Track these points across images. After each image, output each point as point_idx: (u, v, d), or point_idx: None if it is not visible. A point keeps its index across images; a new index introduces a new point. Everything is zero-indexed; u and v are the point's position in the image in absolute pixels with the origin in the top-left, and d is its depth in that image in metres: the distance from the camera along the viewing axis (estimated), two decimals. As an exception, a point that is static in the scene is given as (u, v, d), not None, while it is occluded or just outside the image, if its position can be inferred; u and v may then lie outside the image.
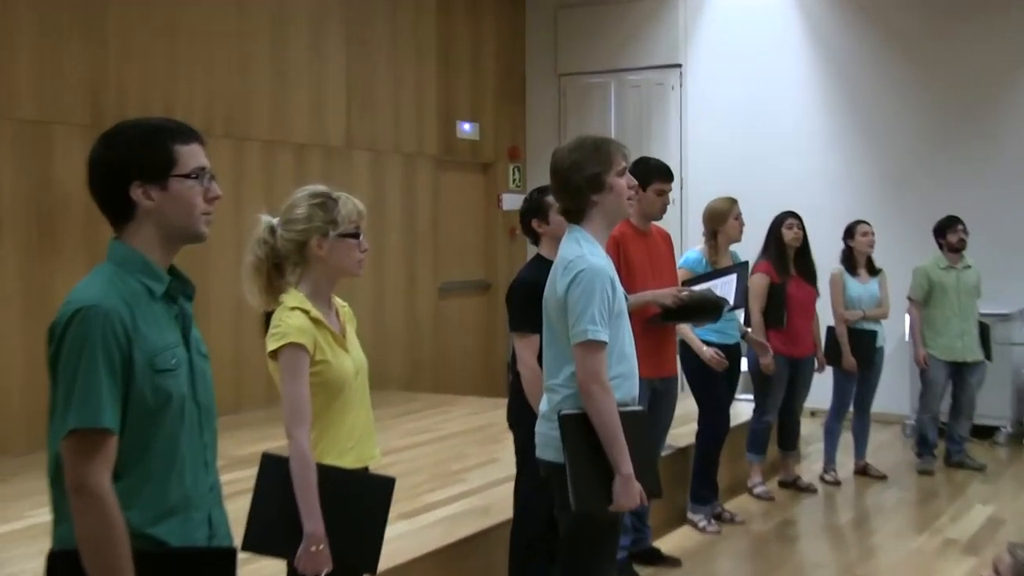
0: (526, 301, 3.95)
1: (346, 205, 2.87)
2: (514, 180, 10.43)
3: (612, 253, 3.42)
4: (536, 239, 4.19)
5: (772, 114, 9.29)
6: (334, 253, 2.84)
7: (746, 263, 5.51)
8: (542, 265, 4.05)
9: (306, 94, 8.27)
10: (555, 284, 3.12)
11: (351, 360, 2.89)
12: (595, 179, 3.10)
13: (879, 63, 8.92)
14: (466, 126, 9.91)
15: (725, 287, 5.13)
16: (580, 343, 3.01)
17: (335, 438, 2.84)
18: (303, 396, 2.73)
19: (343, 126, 8.63)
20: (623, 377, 3.12)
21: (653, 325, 4.64)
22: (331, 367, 2.81)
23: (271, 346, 2.76)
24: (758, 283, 6.34)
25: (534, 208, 4.14)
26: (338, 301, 3.00)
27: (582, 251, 3.08)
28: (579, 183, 3.10)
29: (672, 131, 9.78)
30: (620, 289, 3.15)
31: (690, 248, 6.21)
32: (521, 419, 4.01)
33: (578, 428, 3.03)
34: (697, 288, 4.93)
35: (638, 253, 4.74)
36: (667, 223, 8.46)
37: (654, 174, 4.81)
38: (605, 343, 3.01)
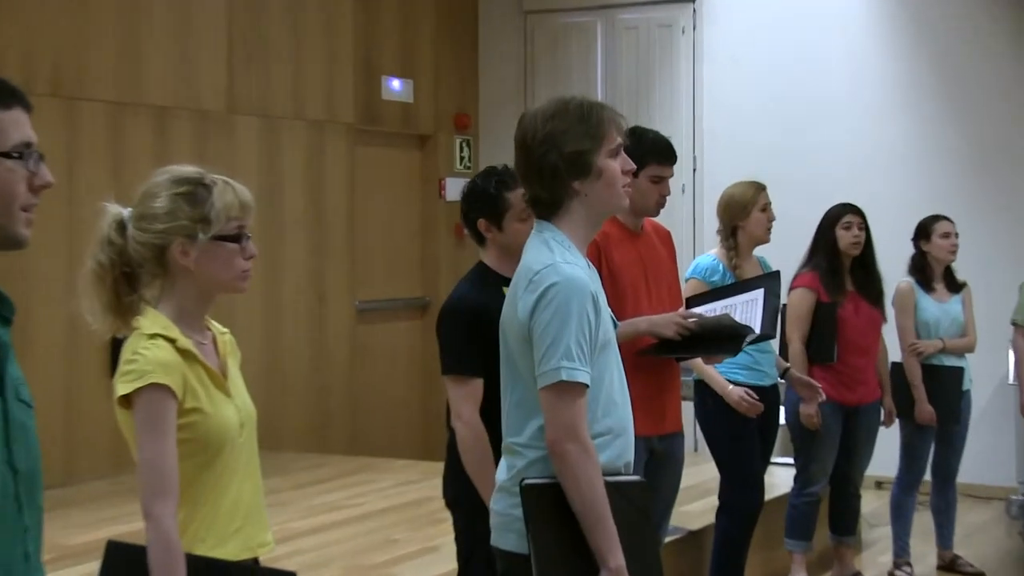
0: (463, 330, 3.95)
1: (223, 195, 2.87)
2: (462, 158, 10.46)
3: (593, 261, 3.44)
4: (482, 241, 4.17)
5: (819, 69, 9.40)
6: (206, 262, 2.85)
7: (776, 273, 5.56)
8: (486, 278, 4.06)
9: (169, 38, 8.26)
10: (516, 303, 3.12)
11: (234, 408, 2.90)
12: (579, 159, 3.11)
13: (971, 5, 9.03)
14: (395, 83, 9.94)
15: (748, 308, 5.16)
16: (550, 386, 3.02)
17: (212, 517, 2.85)
18: (167, 459, 2.74)
19: (222, 83, 8.62)
20: (612, 434, 3.14)
21: (646, 356, 4.67)
22: (208, 418, 2.83)
23: (123, 389, 2.77)
24: (800, 302, 6.40)
25: (485, 201, 4.09)
26: (216, 327, 3.01)
27: (554, 258, 3.09)
28: (556, 163, 3.11)
29: (681, 91, 9.86)
30: (606, 311, 3.17)
31: (705, 252, 6.26)
32: (462, 494, 4.02)
33: (548, 504, 3.04)
34: (710, 310, 4.96)
35: (628, 261, 4.77)
36: (677, 218, 8.58)
37: (650, 154, 4.81)
38: (585, 386, 3.03)
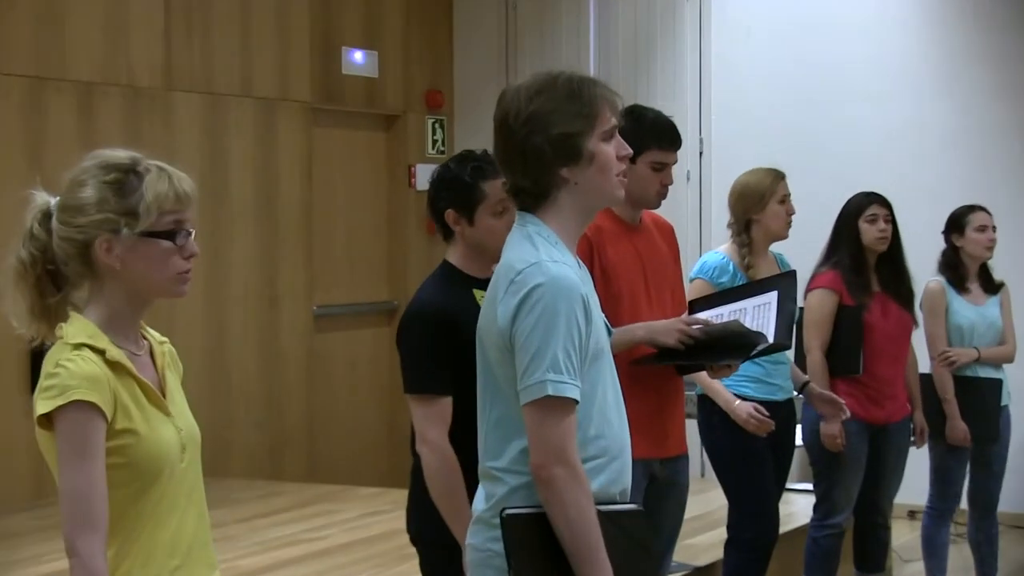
0: (428, 341, 3.94)
1: (156, 185, 2.85)
2: (435, 142, 10.46)
3: (584, 259, 3.44)
4: (449, 235, 4.15)
5: (843, 39, 9.41)
6: (134, 262, 2.83)
7: (792, 273, 5.57)
8: (452, 279, 4.06)
9: (96, 3, 8.23)
10: (495, 307, 3.12)
11: (174, 429, 2.90)
12: (568, 142, 3.11)
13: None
14: (357, 55, 9.93)
15: (760, 313, 5.16)
16: (535, 402, 3.01)
17: (148, 554, 2.84)
18: (95, 487, 2.72)
19: (158, 55, 8.60)
20: (606, 456, 3.14)
21: (643, 365, 4.67)
22: (142, 440, 2.82)
23: (43, 407, 2.75)
24: (820, 306, 6.39)
25: (457, 190, 4.07)
26: (153, 335, 3.00)
27: (538, 255, 3.08)
28: (541, 147, 3.11)
29: (686, 66, 9.87)
30: (599, 316, 3.17)
31: (713, 249, 6.27)
32: (428, 527, 4.02)
33: (533, 536, 3.04)
34: (716, 315, 4.96)
35: (624, 259, 4.77)
36: (680, 210, 8.58)
37: (649, 137, 4.83)
38: (575, 402, 3.03)
